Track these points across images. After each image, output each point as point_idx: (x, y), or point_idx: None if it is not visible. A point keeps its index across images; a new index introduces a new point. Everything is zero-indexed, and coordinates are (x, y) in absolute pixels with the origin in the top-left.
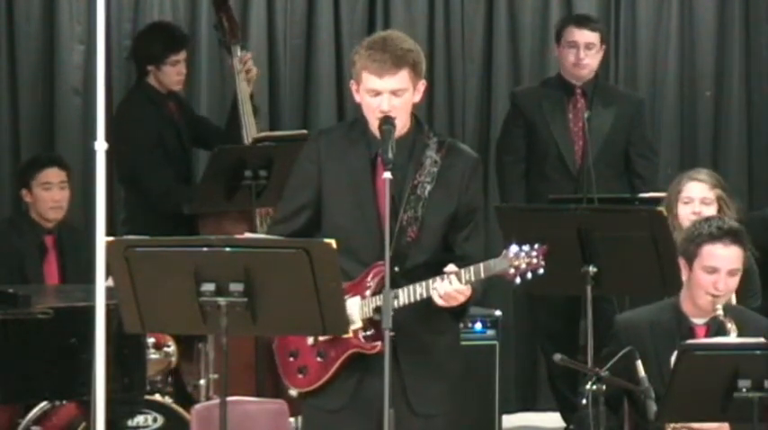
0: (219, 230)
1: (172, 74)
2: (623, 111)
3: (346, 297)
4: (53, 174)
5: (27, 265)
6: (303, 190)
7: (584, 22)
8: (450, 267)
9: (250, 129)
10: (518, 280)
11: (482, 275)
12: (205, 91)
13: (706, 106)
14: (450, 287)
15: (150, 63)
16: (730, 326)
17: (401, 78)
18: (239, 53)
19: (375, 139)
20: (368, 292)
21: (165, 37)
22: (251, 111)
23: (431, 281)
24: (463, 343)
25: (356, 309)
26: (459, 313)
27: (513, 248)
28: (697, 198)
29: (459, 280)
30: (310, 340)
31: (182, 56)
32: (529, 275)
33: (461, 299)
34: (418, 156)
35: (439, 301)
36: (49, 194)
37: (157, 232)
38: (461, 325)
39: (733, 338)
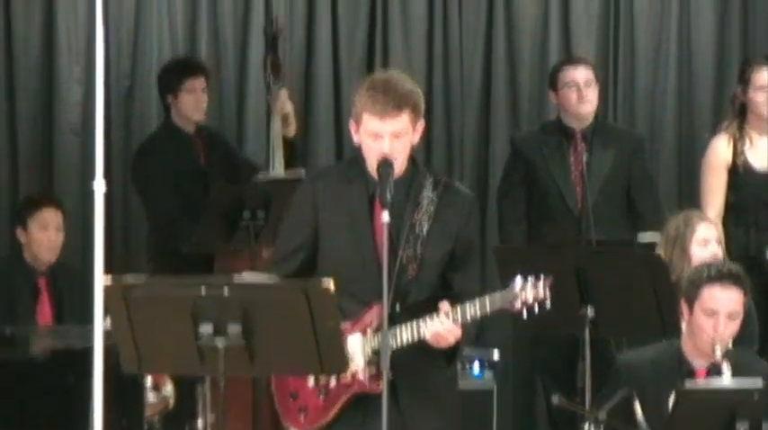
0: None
1: (189, 101)
2: (623, 149)
3: (348, 334)
4: (51, 215)
5: (19, 307)
6: (299, 231)
7: (578, 60)
8: (444, 305)
9: (277, 167)
10: (525, 313)
11: (488, 310)
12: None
13: (704, 146)
14: (440, 327)
15: (168, 92)
16: (726, 365)
17: (402, 121)
18: (275, 91)
19: (373, 179)
20: (369, 330)
21: (180, 64)
22: (280, 146)
23: (427, 318)
24: (459, 388)
25: (358, 346)
26: (450, 355)
27: (518, 281)
28: (713, 238)
29: (455, 317)
30: (311, 383)
31: (198, 83)
32: (536, 309)
33: (451, 339)
34: (415, 195)
35: (430, 340)
36: (46, 235)
37: (180, 272)
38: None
39: (728, 378)
